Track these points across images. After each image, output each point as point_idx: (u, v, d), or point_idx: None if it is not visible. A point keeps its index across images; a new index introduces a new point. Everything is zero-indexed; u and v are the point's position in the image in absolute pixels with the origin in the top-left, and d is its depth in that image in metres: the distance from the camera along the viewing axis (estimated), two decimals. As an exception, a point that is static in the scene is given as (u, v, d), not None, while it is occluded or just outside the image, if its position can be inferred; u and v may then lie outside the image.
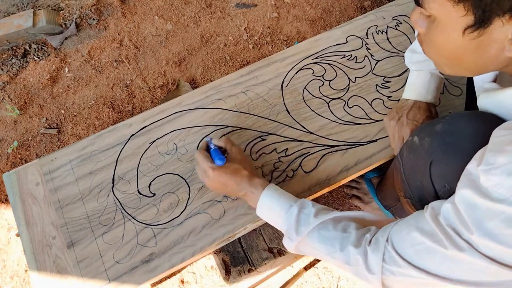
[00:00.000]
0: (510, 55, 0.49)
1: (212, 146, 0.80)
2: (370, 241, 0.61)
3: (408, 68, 1.01)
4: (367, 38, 1.06)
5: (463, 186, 0.50)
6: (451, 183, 0.53)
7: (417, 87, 0.86)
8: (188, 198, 0.85)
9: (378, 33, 1.07)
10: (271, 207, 0.72)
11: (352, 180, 1.19)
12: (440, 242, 0.51)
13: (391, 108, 0.95)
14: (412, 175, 0.71)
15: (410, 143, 0.71)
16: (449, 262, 0.50)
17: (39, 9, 1.53)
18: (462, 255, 0.48)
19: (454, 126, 0.64)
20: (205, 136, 0.91)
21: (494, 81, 0.67)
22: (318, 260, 1.12)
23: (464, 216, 0.49)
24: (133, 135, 0.93)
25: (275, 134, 0.92)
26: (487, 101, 0.64)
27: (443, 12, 0.50)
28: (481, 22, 0.47)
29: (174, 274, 1.12)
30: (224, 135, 0.92)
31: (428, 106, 0.85)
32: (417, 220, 0.57)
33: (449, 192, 0.54)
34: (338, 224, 0.67)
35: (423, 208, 0.70)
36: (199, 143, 0.91)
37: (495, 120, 0.59)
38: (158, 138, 0.92)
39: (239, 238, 1.04)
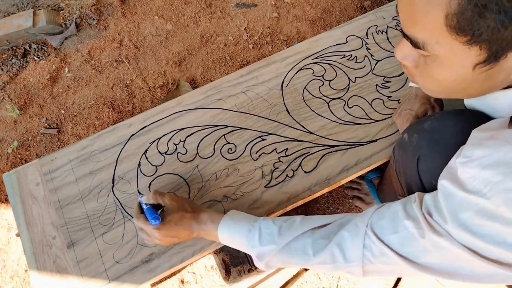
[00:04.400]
0: None
1: (144, 206, 0.74)
2: (348, 226, 0.60)
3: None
4: (367, 38, 1.06)
5: (442, 177, 0.51)
6: (437, 179, 0.53)
7: None
8: (188, 198, 0.85)
9: (378, 33, 1.07)
10: (232, 237, 0.70)
11: (353, 181, 1.19)
12: (421, 230, 0.51)
13: (391, 108, 0.95)
14: (402, 172, 0.72)
15: (400, 140, 0.72)
16: (428, 249, 0.51)
17: (39, 9, 1.53)
18: (439, 240, 0.49)
19: (442, 124, 0.64)
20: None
21: None
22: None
23: (442, 205, 0.49)
24: (133, 135, 0.93)
25: (275, 134, 0.92)
26: (474, 100, 0.64)
27: (450, 52, 0.47)
28: (495, 57, 0.45)
29: (174, 274, 1.12)
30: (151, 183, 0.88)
31: (428, 94, 0.84)
32: (402, 206, 0.56)
33: (435, 188, 0.54)
34: (306, 233, 0.65)
35: None
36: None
37: (482, 118, 0.60)
38: (158, 138, 0.92)
39: (239, 238, 1.04)
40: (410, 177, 0.69)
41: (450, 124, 0.63)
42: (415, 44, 0.49)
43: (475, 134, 0.51)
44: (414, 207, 0.54)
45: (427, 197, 0.54)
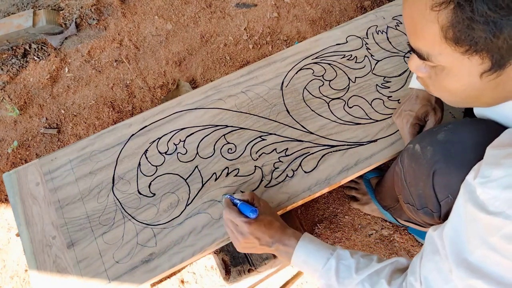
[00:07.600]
0: None
1: (238, 202, 0.77)
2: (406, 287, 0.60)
3: (407, 68, 1.01)
4: (367, 38, 1.06)
5: (462, 200, 0.50)
6: (454, 194, 0.52)
7: None
8: (188, 198, 0.85)
9: (378, 33, 1.07)
10: (307, 262, 0.71)
11: (351, 181, 1.19)
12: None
13: (391, 108, 0.95)
14: (413, 183, 0.70)
15: (412, 151, 0.70)
16: None
17: (39, 9, 1.53)
18: (475, 281, 0.48)
19: (457, 136, 0.63)
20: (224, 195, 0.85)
21: None
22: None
23: (466, 232, 0.48)
24: (133, 135, 0.93)
25: (275, 134, 0.92)
26: (484, 108, 0.64)
27: (455, 63, 0.47)
28: (499, 65, 0.45)
29: (174, 274, 1.12)
30: (253, 190, 0.85)
31: (429, 96, 0.84)
32: (438, 252, 0.55)
33: (451, 203, 0.53)
34: (381, 274, 0.65)
35: (425, 215, 0.69)
36: (222, 200, 0.85)
37: (497, 129, 0.59)
38: (158, 138, 0.92)
39: (239, 238, 1.03)
40: (424, 189, 0.67)
41: (465, 136, 0.62)
42: (421, 56, 0.50)
43: (491, 152, 0.50)
44: (441, 250, 0.53)
45: (448, 234, 0.53)
